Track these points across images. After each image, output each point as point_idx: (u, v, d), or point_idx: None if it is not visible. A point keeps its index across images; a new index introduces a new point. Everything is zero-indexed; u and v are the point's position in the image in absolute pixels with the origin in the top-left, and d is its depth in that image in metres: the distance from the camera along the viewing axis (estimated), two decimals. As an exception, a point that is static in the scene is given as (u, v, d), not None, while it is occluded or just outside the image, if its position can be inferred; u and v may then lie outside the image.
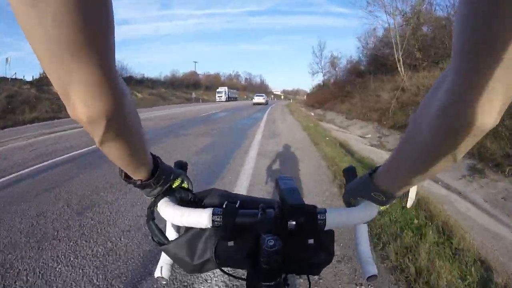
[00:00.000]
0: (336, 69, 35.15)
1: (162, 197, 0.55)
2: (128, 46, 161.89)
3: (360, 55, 25.57)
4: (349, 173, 0.63)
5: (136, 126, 0.39)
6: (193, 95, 47.92)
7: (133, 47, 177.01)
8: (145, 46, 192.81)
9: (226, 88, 55.20)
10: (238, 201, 0.56)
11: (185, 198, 0.59)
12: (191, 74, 69.64)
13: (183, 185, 0.59)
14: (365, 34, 24.39)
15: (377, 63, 19.12)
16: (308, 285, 0.62)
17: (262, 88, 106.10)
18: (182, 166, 0.64)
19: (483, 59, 0.27)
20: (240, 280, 0.58)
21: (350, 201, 0.61)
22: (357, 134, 11.09)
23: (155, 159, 0.52)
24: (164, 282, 0.62)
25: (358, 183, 0.57)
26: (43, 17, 0.22)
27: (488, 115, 0.30)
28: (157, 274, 0.59)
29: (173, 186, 0.57)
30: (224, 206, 0.53)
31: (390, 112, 11.83)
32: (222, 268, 0.54)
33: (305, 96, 74.71)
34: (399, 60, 15.83)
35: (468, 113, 0.30)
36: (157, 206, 0.55)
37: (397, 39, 16.19)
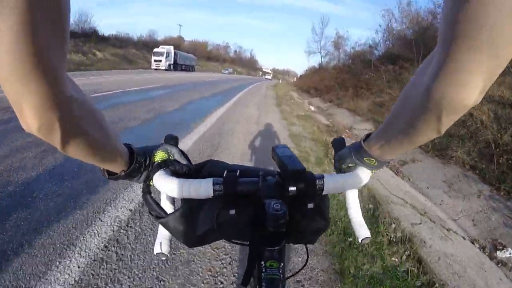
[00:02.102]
0: (340, 50, 28.35)
1: (157, 171, 0.54)
2: (111, 5, 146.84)
3: (384, 35, 18.88)
4: (338, 142, 0.65)
5: (95, 124, 0.40)
6: None
7: (111, 6, 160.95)
8: (126, 6, 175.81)
9: (171, 48, 34.49)
10: (238, 170, 0.57)
11: (180, 170, 0.56)
12: (177, 39, 60.35)
13: (171, 157, 0.57)
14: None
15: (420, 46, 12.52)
16: (306, 255, 0.64)
17: (251, 64, 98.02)
18: (172, 139, 0.60)
19: (465, 40, 0.29)
20: (244, 247, 0.57)
21: (341, 168, 0.62)
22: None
23: (128, 147, 0.52)
24: (164, 258, 0.70)
25: (350, 150, 0.59)
26: None
27: (470, 94, 0.33)
28: (156, 250, 0.58)
29: (156, 160, 0.56)
30: (224, 175, 0.54)
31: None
32: (225, 238, 0.56)
33: (295, 78, 68.93)
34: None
35: (452, 91, 0.34)
36: (152, 180, 0.54)
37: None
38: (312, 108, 12.36)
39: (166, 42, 51.73)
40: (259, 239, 0.53)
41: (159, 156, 0.56)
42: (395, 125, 0.47)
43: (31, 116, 0.31)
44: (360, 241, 0.59)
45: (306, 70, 40.33)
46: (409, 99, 0.42)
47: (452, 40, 0.31)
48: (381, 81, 12.69)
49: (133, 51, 35.80)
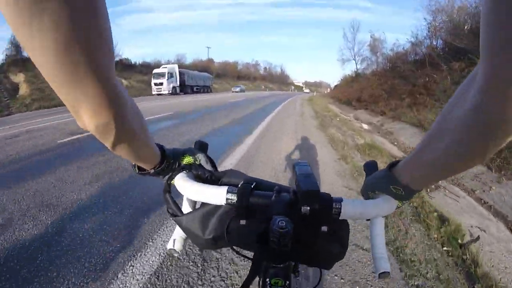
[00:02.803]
0: (378, 54, 25.74)
1: (180, 172, 0.58)
2: (144, 35, 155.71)
3: (430, 30, 16.26)
4: (370, 166, 0.62)
5: (140, 126, 0.42)
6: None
7: (149, 37, 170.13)
8: (162, 36, 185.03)
9: (174, 67, 28.63)
10: (254, 182, 0.57)
11: (202, 175, 0.59)
12: (206, 62, 61.08)
13: (197, 162, 0.61)
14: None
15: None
16: (319, 278, 0.62)
17: (282, 79, 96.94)
18: (201, 146, 0.64)
19: (508, 56, 0.27)
20: (248, 260, 0.58)
21: (368, 194, 0.59)
22: None
23: (160, 147, 0.56)
24: (176, 255, 0.73)
25: (377, 176, 0.56)
26: (45, 57, 0.26)
27: None
28: (169, 246, 0.61)
29: (183, 163, 0.59)
30: (239, 185, 0.55)
31: None
32: (233, 246, 0.56)
33: (328, 89, 66.28)
34: None
35: (502, 110, 0.30)
36: (174, 180, 0.57)
37: None
38: (365, 126, 10.18)
39: (195, 65, 52.26)
40: (262, 254, 0.53)
41: (186, 160, 0.60)
42: (432, 150, 0.42)
43: (88, 117, 0.33)
44: (377, 275, 0.55)
45: (341, 79, 37.88)
46: (450, 121, 0.37)
47: (496, 55, 0.28)
48: (446, 82, 10.25)
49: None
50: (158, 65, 35.44)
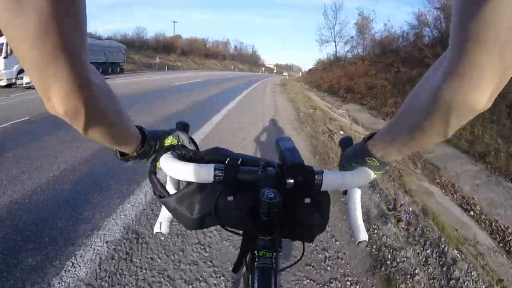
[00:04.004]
0: (366, 35, 21.94)
1: (164, 153, 0.57)
2: (114, 9, 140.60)
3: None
4: (346, 142, 0.64)
5: (114, 108, 0.42)
6: (156, 59, 35.15)
7: (119, 11, 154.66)
8: (133, 11, 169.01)
9: None
10: (240, 159, 0.58)
11: (187, 155, 0.59)
12: (172, 38, 54.16)
13: (179, 142, 0.60)
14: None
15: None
16: (302, 250, 0.64)
17: (253, 59, 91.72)
18: (183, 126, 0.64)
19: (478, 42, 0.29)
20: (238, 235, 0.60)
21: (345, 167, 0.61)
22: None
23: (141, 129, 0.54)
24: (163, 238, 0.73)
25: (354, 148, 0.58)
26: (23, 38, 0.27)
27: (480, 97, 0.32)
28: (156, 229, 0.61)
29: (165, 144, 0.58)
30: (226, 162, 0.55)
31: None
32: (222, 223, 0.57)
33: (300, 73, 62.38)
34: None
35: (461, 94, 0.33)
36: (159, 161, 0.57)
37: None
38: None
39: (156, 40, 45.83)
40: (253, 227, 0.55)
41: (169, 141, 0.59)
42: (401, 125, 0.45)
43: (58, 101, 0.32)
44: (356, 244, 0.59)
45: (316, 62, 34.08)
46: (417, 99, 0.40)
47: (465, 41, 0.30)
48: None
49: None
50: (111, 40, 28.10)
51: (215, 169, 0.53)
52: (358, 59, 18.31)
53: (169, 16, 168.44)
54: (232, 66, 65.84)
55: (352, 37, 24.49)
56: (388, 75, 11.24)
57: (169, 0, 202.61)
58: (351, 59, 21.06)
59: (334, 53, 28.36)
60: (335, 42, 28.41)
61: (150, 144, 0.54)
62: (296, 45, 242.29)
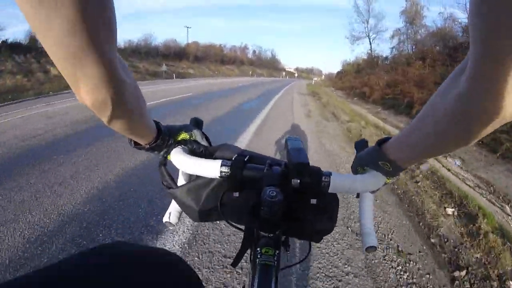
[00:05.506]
0: (418, 26, 17.37)
1: (175, 147, 0.59)
2: (133, 20, 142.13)
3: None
4: (360, 144, 0.62)
5: (137, 105, 0.43)
6: (163, 67, 31.24)
7: (138, 21, 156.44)
8: (151, 20, 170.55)
9: None
10: (247, 156, 0.58)
11: (197, 150, 0.60)
12: (189, 44, 51.28)
13: (192, 138, 0.61)
14: None
15: None
16: (308, 249, 0.63)
17: (272, 64, 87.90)
18: (197, 123, 0.65)
19: (502, 47, 0.26)
20: (240, 231, 0.59)
21: (357, 170, 0.59)
22: None
23: (157, 123, 0.56)
24: (172, 228, 0.75)
25: (367, 152, 0.56)
26: (55, 33, 0.27)
27: (507, 105, 0.30)
28: (165, 219, 0.63)
29: (178, 139, 0.60)
30: (233, 158, 0.56)
31: None
32: (226, 218, 0.59)
33: (322, 76, 57.85)
34: None
35: (486, 102, 0.30)
36: (170, 154, 0.58)
37: None
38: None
39: (166, 47, 42.86)
40: (253, 224, 0.55)
41: (182, 136, 0.60)
42: (422, 131, 0.43)
43: (85, 94, 0.34)
44: (364, 249, 0.57)
45: (346, 63, 29.61)
46: (439, 104, 0.38)
47: (489, 40, 0.27)
48: None
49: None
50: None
51: (221, 165, 0.53)
52: (416, 57, 13.79)
53: (184, 23, 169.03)
54: (250, 72, 62.26)
55: (399, 29, 19.88)
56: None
57: (186, 10, 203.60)
58: (398, 57, 16.58)
59: (369, 51, 23.93)
60: (369, 37, 24.00)
61: (164, 138, 0.56)
62: (316, 47, 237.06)
